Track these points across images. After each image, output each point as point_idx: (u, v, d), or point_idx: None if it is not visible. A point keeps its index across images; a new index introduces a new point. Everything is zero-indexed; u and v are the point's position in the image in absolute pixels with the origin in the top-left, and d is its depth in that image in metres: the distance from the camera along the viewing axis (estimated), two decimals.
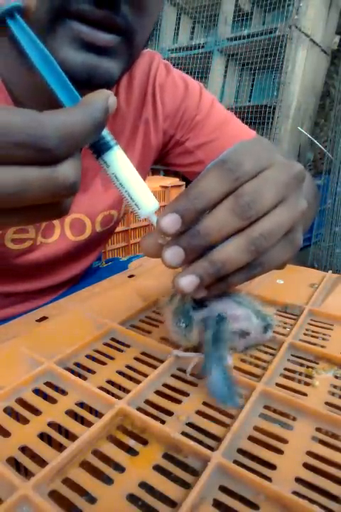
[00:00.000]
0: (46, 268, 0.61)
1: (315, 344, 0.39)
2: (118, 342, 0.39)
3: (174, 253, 0.28)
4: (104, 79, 0.39)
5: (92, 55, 0.38)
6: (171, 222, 0.26)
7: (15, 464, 0.25)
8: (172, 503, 0.22)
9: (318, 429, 0.28)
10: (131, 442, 0.27)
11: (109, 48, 0.38)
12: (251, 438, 0.27)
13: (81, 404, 0.30)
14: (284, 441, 0.27)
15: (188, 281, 0.28)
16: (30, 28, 0.24)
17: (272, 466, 0.25)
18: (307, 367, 0.35)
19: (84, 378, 0.33)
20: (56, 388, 0.32)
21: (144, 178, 0.67)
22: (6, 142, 0.20)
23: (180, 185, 1.85)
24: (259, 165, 0.28)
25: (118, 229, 1.55)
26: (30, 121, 0.21)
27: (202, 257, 0.28)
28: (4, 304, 0.61)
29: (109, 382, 0.33)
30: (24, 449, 0.26)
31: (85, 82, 0.39)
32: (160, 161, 0.68)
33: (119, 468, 0.25)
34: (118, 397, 0.30)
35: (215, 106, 0.65)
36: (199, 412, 0.30)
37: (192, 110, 0.62)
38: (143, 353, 0.37)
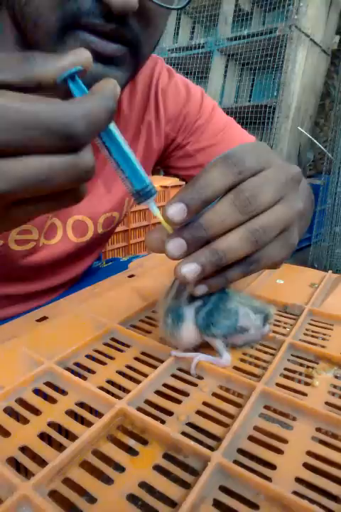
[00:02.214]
0: (48, 269, 0.61)
1: (315, 344, 0.39)
2: (118, 342, 0.39)
3: (177, 245, 0.29)
4: None
5: (100, 65, 0.39)
6: (177, 211, 0.27)
7: (15, 464, 0.25)
8: (172, 503, 0.22)
9: (318, 429, 0.28)
10: (131, 442, 0.27)
11: (115, 58, 0.40)
12: (251, 438, 0.27)
13: (81, 404, 0.30)
14: (284, 441, 0.27)
15: (189, 269, 0.29)
16: (84, 84, 0.26)
17: (272, 466, 0.25)
18: (307, 367, 0.35)
19: (84, 378, 0.33)
20: (56, 388, 0.32)
21: None
22: (36, 131, 0.21)
23: (180, 185, 1.85)
24: (260, 164, 0.29)
25: (118, 229, 1.55)
26: (59, 111, 0.21)
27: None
28: (4, 304, 0.61)
29: (109, 382, 0.33)
30: (24, 449, 0.26)
31: None
32: (160, 164, 0.69)
33: (119, 468, 0.25)
34: (119, 397, 0.30)
35: (216, 111, 0.66)
36: (199, 412, 0.30)
37: (194, 115, 0.63)
38: (143, 353, 0.37)
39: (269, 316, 0.37)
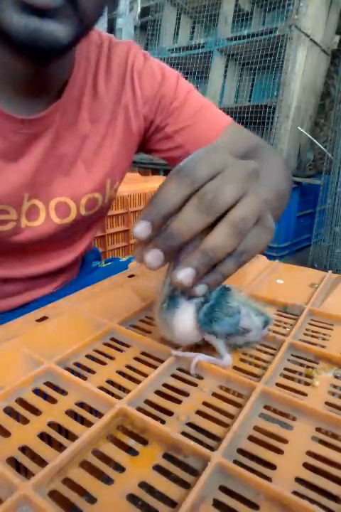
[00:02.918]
0: (36, 250, 0.62)
1: (315, 344, 0.39)
2: (118, 342, 0.39)
3: (154, 256, 0.30)
4: (48, 42, 0.41)
5: (34, 18, 0.39)
6: (142, 229, 0.29)
7: (15, 464, 0.25)
8: (172, 503, 0.22)
9: (318, 429, 0.28)
10: (131, 442, 0.27)
11: (50, 11, 0.39)
12: (251, 438, 0.27)
13: (81, 404, 0.30)
14: (284, 441, 0.27)
15: (185, 274, 0.30)
16: None
17: (272, 466, 0.25)
18: (307, 367, 0.35)
19: (84, 378, 0.33)
20: (56, 388, 0.32)
21: (129, 163, 0.68)
22: None
23: None
24: (214, 168, 0.30)
25: (119, 229, 1.56)
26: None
27: (180, 253, 0.31)
28: (3, 293, 0.62)
29: (109, 382, 0.33)
30: (24, 449, 0.26)
31: (31, 46, 0.41)
32: (143, 148, 0.71)
33: (119, 468, 0.25)
34: (119, 397, 0.30)
35: (192, 93, 0.67)
36: (199, 412, 0.30)
37: (170, 97, 0.64)
38: (143, 353, 0.37)
39: (269, 321, 0.37)
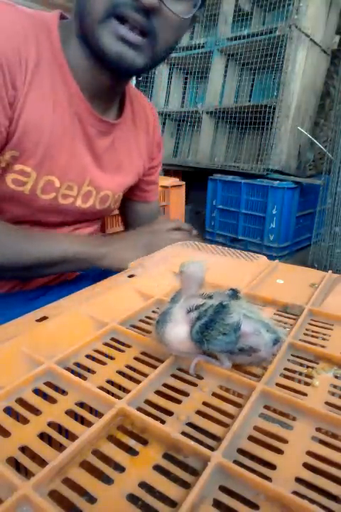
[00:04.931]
0: (59, 222, 0.71)
1: (315, 344, 0.39)
2: (118, 342, 0.39)
3: None
4: (128, 65, 0.58)
5: (124, 46, 0.56)
6: None
7: (15, 464, 0.25)
8: (172, 503, 0.22)
9: (318, 429, 0.28)
10: (131, 442, 0.27)
11: (135, 45, 0.56)
12: (251, 438, 0.27)
13: (81, 404, 0.30)
14: (284, 441, 0.27)
15: None
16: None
17: (272, 466, 0.25)
18: (307, 367, 0.35)
19: (84, 378, 0.33)
20: (56, 388, 0.32)
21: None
22: None
23: (180, 185, 1.85)
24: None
25: (118, 229, 1.55)
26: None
27: None
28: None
29: (109, 382, 0.33)
30: (24, 449, 0.26)
31: (116, 65, 0.58)
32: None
33: (119, 468, 0.25)
34: (119, 397, 0.30)
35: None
36: (199, 412, 0.30)
37: (158, 154, 0.88)
38: (143, 353, 0.37)
39: (280, 339, 0.34)
